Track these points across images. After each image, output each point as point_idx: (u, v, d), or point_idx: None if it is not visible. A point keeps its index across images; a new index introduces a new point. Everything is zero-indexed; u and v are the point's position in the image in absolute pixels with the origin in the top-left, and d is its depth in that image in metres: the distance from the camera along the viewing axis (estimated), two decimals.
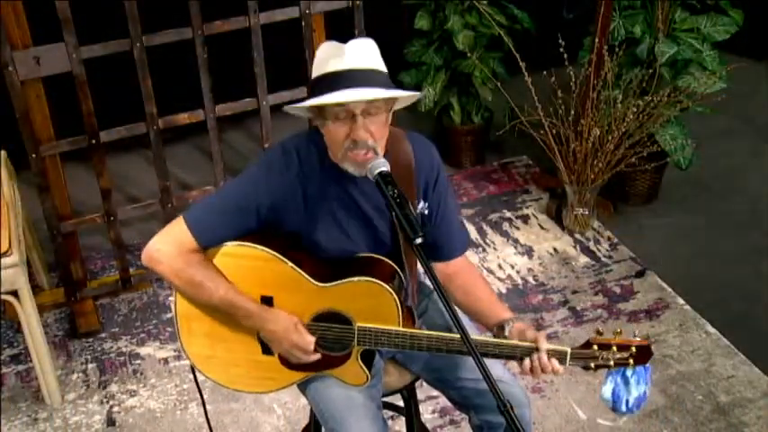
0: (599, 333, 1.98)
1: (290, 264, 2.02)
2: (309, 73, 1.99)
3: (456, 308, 1.88)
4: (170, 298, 3.52)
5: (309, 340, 2.02)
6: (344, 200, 2.04)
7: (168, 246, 1.99)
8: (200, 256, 2.00)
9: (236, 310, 2.01)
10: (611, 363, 1.97)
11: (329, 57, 1.91)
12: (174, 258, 1.98)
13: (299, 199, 2.01)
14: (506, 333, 2.01)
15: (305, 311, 2.05)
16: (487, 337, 2.01)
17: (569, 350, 1.96)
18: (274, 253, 2.02)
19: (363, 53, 1.91)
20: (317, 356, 2.05)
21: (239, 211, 2.00)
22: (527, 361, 1.96)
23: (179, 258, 1.98)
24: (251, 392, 2.30)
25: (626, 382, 1.98)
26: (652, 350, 1.97)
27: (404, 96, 1.95)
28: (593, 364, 1.98)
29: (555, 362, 1.95)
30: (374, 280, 1.99)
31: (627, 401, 1.99)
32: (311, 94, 1.92)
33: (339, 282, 2.02)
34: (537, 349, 1.95)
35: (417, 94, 1.97)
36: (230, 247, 2.03)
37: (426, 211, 2.12)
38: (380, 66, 1.93)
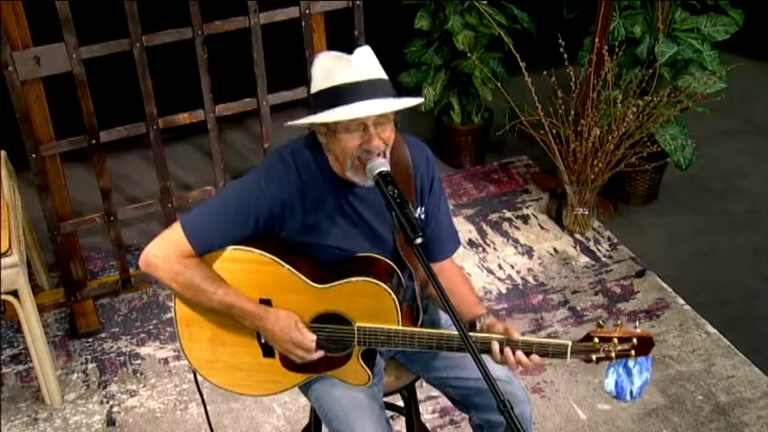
0: (599, 326, 1.98)
1: (288, 267, 2.02)
2: (309, 77, 1.97)
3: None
4: (171, 297, 3.52)
5: (311, 338, 2.02)
6: (343, 205, 2.04)
7: (165, 251, 2.00)
8: (198, 260, 2.01)
9: (236, 311, 2.01)
10: (613, 355, 1.96)
11: (335, 68, 1.90)
12: (171, 263, 1.99)
13: (298, 206, 2.01)
14: (477, 328, 2.02)
15: (304, 313, 2.05)
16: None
17: (570, 343, 1.96)
18: (272, 256, 2.02)
19: (369, 63, 1.91)
20: (320, 354, 2.05)
21: (237, 220, 2.00)
22: (495, 346, 1.94)
23: (176, 263, 1.99)
24: (253, 396, 2.29)
25: (628, 372, 1.98)
26: (653, 341, 1.96)
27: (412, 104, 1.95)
28: (594, 357, 1.96)
29: (534, 356, 1.94)
30: (372, 279, 1.99)
31: (631, 391, 1.99)
32: (318, 106, 1.91)
33: (337, 283, 2.02)
34: (508, 340, 1.94)
35: (421, 100, 1.98)
36: (228, 251, 2.03)
37: (423, 215, 2.12)
38: (384, 74, 1.93)
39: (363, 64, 1.90)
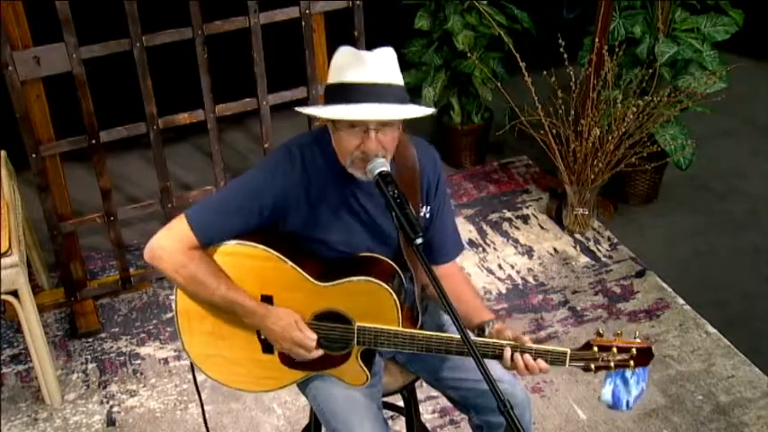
0: (599, 334, 1.98)
1: (291, 263, 2.02)
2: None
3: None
4: (171, 297, 3.53)
5: (311, 337, 2.03)
6: (348, 200, 2.04)
7: (170, 243, 2.00)
8: (202, 253, 2.01)
9: (237, 308, 2.02)
10: (612, 364, 1.96)
11: (348, 65, 1.89)
12: (175, 255, 1.99)
13: (303, 199, 2.01)
14: (486, 334, 2.03)
15: (305, 311, 2.05)
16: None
17: (569, 351, 1.96)
18: (275, 252, 2.02)
19: (383, 65, 1.90)
20: (320, 353, 2.06)
21: (241, 211, 2.00)
22: (507, 352, 1.95)
23: (181, 255, 1.99)
24: (251, 391, 2.30)
25: (625, 383, 1.98)
26: (653, 352, 1.97)
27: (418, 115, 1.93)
28: (593, 366, 1.97)
29: (541, 361, 1.95)
30: (374, 279, 1.99)
31: (627, 402, 1.99)
32: (326, 101, 1.92)
33: (339, 281, 2.02)
34: (517, 347, 1.95)
35: (432, 110, 1.95)
36: (230, 246, 2.03)
37: (428, 215, 2.13)
38: (399, 79, 1.92)
39: (379, 65, 1.89)
